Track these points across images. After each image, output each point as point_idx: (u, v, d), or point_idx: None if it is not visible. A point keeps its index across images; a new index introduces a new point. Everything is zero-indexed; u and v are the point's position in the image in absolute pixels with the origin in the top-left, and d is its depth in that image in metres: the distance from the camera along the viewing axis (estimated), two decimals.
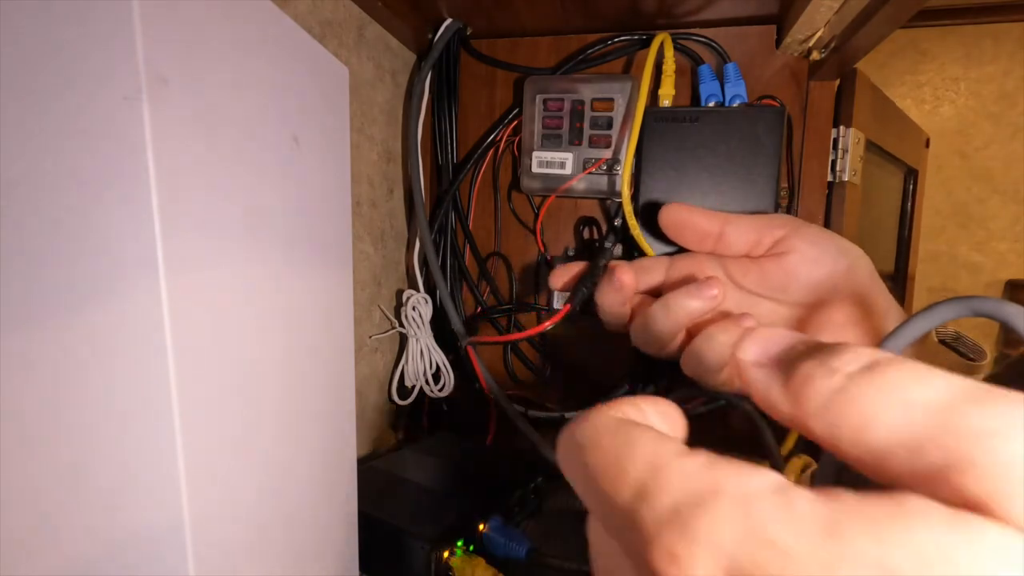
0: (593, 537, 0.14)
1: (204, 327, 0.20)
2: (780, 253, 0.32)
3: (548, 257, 0.53)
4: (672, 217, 0.34)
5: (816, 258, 0.31)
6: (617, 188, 0.45)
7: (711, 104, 0.45)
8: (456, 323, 0.50)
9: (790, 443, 0.35)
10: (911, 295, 0.83)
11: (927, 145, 0.85)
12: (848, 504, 0.09)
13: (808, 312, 0.32)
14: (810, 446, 0.33)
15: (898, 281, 0.80)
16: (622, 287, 0.33)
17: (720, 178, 0.43)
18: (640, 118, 0.41)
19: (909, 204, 0.78)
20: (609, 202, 0.51)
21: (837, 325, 0.31)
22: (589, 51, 0.50)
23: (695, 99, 0.47)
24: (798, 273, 0.32)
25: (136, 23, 0.16)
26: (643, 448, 0.11)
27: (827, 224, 0.49)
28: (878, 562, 0.08)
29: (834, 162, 0.48)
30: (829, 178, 0.48)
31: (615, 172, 0.46)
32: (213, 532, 0.20)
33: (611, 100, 0.46)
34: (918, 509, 0.09)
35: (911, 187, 0.78)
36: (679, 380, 0.37)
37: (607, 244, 0.39)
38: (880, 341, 0.22)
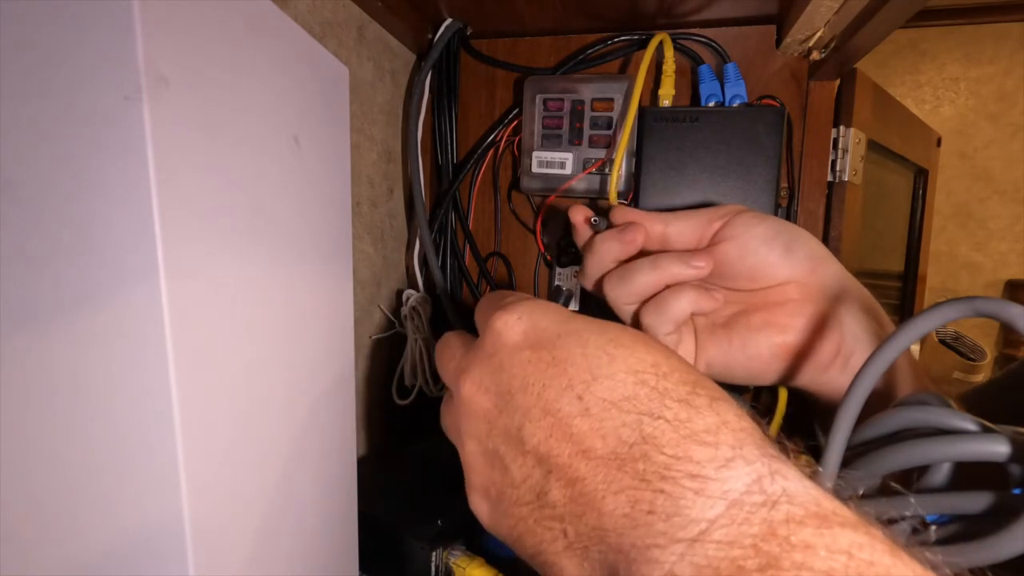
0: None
1: (204, 327, 0.20)
2: (716, 243, 0.33)
3: (548, 257, 0.53)
4: (621, 218, 0.35)
5: (744, 245, 0.32)
6: (619, 189, 0.45)
7: (711, 104, 0.45)
8: (456, 324, 0.50)
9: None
10: (921, 296, 0.81)
11: (939, 145, 0.83)
12: None
13: (759, 296, 0.33)
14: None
15: (907, 282, 0.79)
16: (633, 242, 0.34)
17: (720, 178, 0.43)
18: (632, 119, 0.41)
19: (919, 204, 0.77)
20: (603, 202, 0.51)
21: (779, 306, 0.33)
22: (589, 51, 0.50)
23: (695, 99, 0.47)
24: (730, 261, 0.33)
25: (136, 23, 0.16)
26: None
27: (826, 224, 0.48)
28: None
29: (834, 162, 0.48)
30: (829, 178, 0.48)
31: None
32: (213, 532, 0.20)
33: (611, 100, 0.46)
34: None
35: (921, 187, 0.77)
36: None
37: (594, 220, 0.38)
38: (883, 341, 0.22)
